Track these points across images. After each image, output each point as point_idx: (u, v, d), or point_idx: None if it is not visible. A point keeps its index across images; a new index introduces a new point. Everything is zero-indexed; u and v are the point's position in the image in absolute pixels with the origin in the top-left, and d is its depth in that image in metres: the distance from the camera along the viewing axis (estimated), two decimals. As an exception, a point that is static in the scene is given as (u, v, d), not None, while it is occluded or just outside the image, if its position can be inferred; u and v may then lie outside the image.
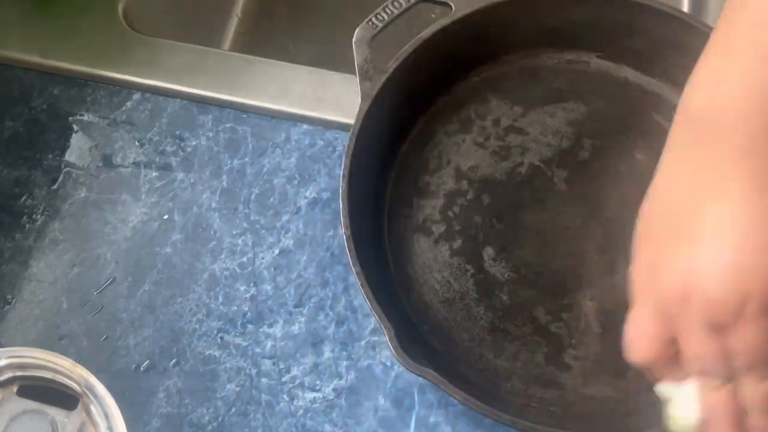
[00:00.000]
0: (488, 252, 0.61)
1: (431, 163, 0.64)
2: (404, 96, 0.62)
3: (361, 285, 0.55)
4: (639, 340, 0.48)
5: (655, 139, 0.63)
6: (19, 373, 0.52)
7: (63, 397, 0.51)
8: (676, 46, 0.62)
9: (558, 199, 0.63)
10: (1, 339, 0.62)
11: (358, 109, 0.59)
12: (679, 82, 0.63)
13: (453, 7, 0.61)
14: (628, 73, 0.65)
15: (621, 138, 0.64)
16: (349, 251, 0.56)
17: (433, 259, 0.62)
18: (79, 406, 0.51)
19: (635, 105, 0.64)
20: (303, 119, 0.67)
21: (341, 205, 0.57)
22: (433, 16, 0.62)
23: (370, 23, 0.61)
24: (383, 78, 0.60)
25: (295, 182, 0.66)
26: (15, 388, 0.51)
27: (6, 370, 0.52)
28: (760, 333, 0.45)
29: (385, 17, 0.61)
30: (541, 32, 0.64)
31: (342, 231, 0.57)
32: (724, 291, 0.44)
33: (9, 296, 0.64)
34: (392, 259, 0.62)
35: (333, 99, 0.67)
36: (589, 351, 0.59)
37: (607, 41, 0.64)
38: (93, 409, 0.51)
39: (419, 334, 0.60)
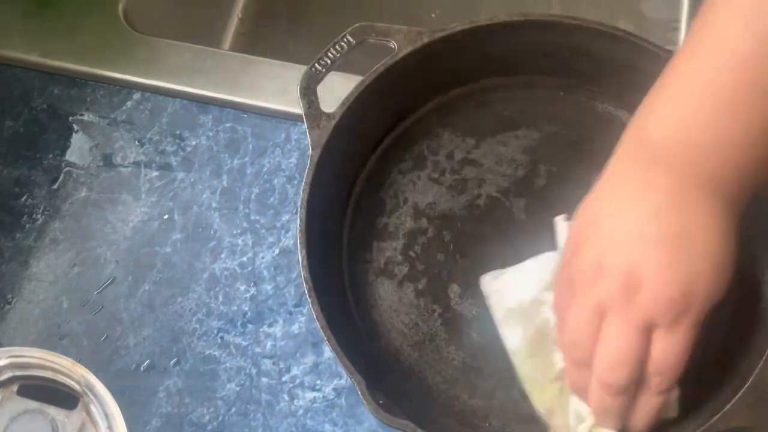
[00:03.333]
0: (454, 289, 0.60)
1: (388, 204, 0.63)
2: (354, 140, 0.61)
3: (327, 339, 0.53)
4: (579, 337, 0.48)
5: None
6: (19, 373, 0.52)
7: (63, 396, 0.52)
8: (625, 67, 0.61)
9: (518, 228, 0.61)
10: (2, 339, 0.62)
11: (309, 159, 0.58)
12: (630, 102, 0.62)
13: (395, 47, 0.60)
14: (578, 96, 0.64)
15: (576, 162, 0.63)
16: (312, 304, 0.54)
17: (399, 302, 0.60)
18: (80, 405, 0.51)
19: (588, 128, 0.63)
20: (303, 119, 0.67)
21: (300, 257, 0.56)
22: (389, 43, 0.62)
23: (313, 69, 0.60)
24: (331, 125, 0.58)
25: (295, 182, 0.66)
26: (15, 388, 0.52)
27: (6, 369, 0.52)
28: (688, 342, 0.46)
29: (328, 62, 0.60)
30: (485, 62, 0.63)
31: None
32: (674, 291, 0.44)
33: (9, 296, 0.64)
34: (357, 305, 0.61)
35: (333, 99, 0.67)
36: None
37: (554, 66, 0.63)
38: (93, 408, 0.51)
39: (392, 382, 0.58)
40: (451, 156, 0.64)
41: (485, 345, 0.59)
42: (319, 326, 0.54)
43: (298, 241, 0.56)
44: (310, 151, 0.58)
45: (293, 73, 0.69)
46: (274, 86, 0.68)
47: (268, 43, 0.89)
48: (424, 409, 0.58)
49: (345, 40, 0.60)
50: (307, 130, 0.59)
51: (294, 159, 0.67)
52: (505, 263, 0.60)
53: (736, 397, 0.53)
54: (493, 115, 0.65)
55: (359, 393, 0.52)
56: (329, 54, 0.60)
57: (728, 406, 0.52)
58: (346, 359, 0.53)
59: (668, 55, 0.58)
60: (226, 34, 0.89)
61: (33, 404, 0.51)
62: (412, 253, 0.62)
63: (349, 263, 0.62)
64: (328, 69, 0.60)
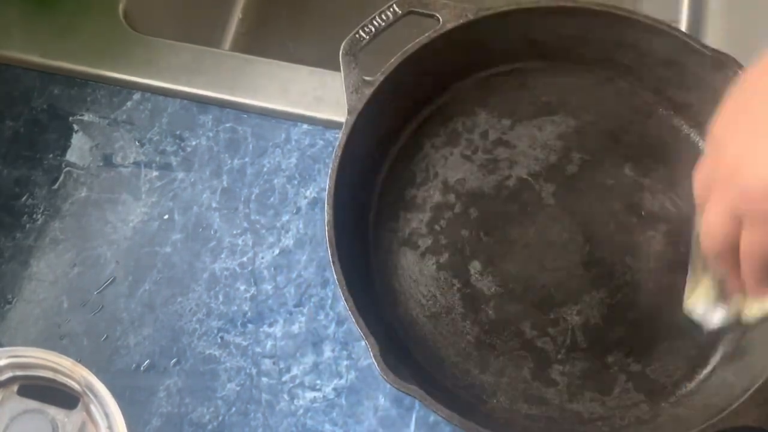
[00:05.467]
0: (475, 266, 0.61)
1: (418, 176, 0.64)
2: (391, 109, 0.62)
3: (345, 299, 0.54)
4: (712, 237, 0.48)
5: (645, 154, 0.63)
6: (19, 373, 0.52)
7: (63, 396, 0.52)
8: (666, 60, 0.62)
9: (545, 213, 0.62)
10: (2, 338, 0.62)
11: (344, 123, 0.59)
12: (670, 98, 0.63)
13: (440, 20, 0.61)
14: (617, 87, 0.64)
15: (610, 152, 0.63)
16: (333, 265, 0.55)
17: (420, 273, 0.61)
18: (80, 405, 0.51)
19: (625, 120, 0.64)
20: (303, 119, 0.67)
21: (326, 217, 0.56)
22: (416, 31, 0.62)
23: (357, 35, 0.60)
24: (370, 91, 0.59)
25: (295, 182, 0.66)
26: (15, 388, 0.52)
27: (6, 369, 0.52)
28: (760, 245, 0.46)
29: (372, 29, 0.60)
30: (528, 45, 0.64)
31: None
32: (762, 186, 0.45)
33: (9, 296, 0.64)
34: (378, 272, 0.61)
35: (333, 99, 0.67)
36: (575, 367, 0.59)
37: (597, 55, 0.64)
38: (93, 408, 0.51)
39: (405, 350, 0.59)
40: (485, 135, 0.64)
41: (500, 323, 0.60)
42: (338, 287, 0.55)
43: (326, 201, 0.57)
44: (345, 116, 0.58)
45: (293, 73, 0.69)
46: (274, 86, 0.68)
47: (268, 43, 0.89)
48: (435, 379, 0.58)
49: (391, 9, 0.61)
50: (345, 94, 0.59)
51: (294, 159, 0.67)
52: (528, 245, 0.61)
53: (746, 396, 0.53)
54: (531, 99, 0.65)
55: (371, 356, 0.53)
56: (374, 22, 0.61)
57: (736, 405, 0.53)
58: (362, 321, 0.54)
59: (713, 53, 0.59)
60: (226, 34, 0.89)
61: (33, 404, 0.51)
62: (437, 227, 0.62)
63: (374, 230, 0.62)
64: (372, 37, 0.60)
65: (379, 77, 0.60)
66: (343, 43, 0.60)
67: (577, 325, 0.59)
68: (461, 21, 0.61)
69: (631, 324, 0.59)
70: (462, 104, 0.65)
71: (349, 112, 0.59)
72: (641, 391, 0.58)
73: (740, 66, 0.58)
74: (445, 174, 0.64)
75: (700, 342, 0.59)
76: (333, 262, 0.55)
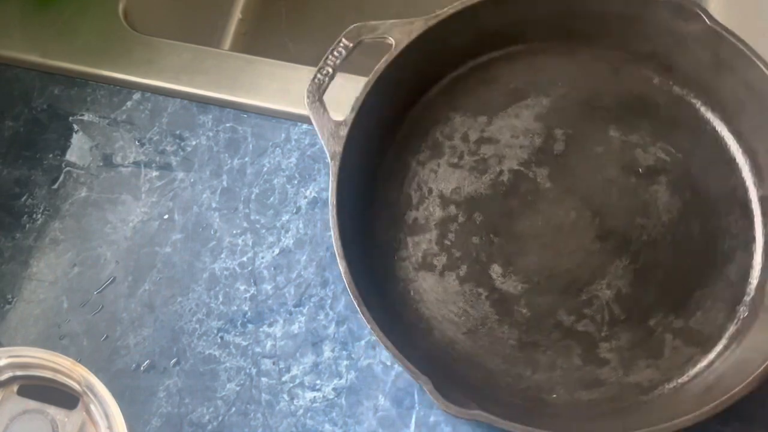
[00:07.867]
0: (495, 270, 0.61)
1: (414, 197, 0.63)
2: (371, 140, 0.62)
3: (386, 347, 0.53)
4: None
5: (625, 112, 0.63)
6: (19, 373, 0.52)
7: (63, 396, 0.52)
8: (620, 16, 0.61)
9: (546, 198, 0.62)
10: (2, 338, 0.62)
11: (330, 172, 0.58)
12: (635, 52, 0.63)
13: (393, 42, 0.60)
14: (579, 55, 0.64)
15: (590, 120, 0.63)
16: (363, 314, 0.54)
17: (444, 292, 0.60)
18: (80, 405, 0.51)
19: (596, 85, 0.63)
20: (303, 119, 0.67)
21: (341, 267, 0.55)
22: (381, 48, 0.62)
23: (316, 80, 0.60)
24: (345, 132, 0.59)
25: (295, 182, 0.66)
26: (15, 388, 0.52)
27: (6, 369, 0.52)
28: None
29: (330, 70, 0.60)
30: (482, 38, 0.64)
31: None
32: None
33: (9, 296, 0.64)
34: (402, 303, 0.61)
35: (333, 99, 0.67)
36: (621, 340, 0.58)
37: (550, 30, 0.63)
38: (93, 408, 0.51)
39: (452, 373, 0.58)
40: (466, 138, 0.64)
41: (537, 318, 0.59)
42: (377, 338, 0.54)
43: (335, 251, 0.56)
44: (328, 159, 0.58)
45: (293, 73, 0.69)
46: (274, 86, 0.68)
47: (268, 43, 0.89)
48: (489, 393, 0.57)
49: (342, 44, 0.61)
50: (321, 141, 0.59)
51: (294, 159, 0.67)
52: (539, 235, 0.61)
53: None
54: (499, 90, 0.65)
55: (427, 392, 0.52)
56: (329, 61, 0.61)
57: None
58: (407, 362, 0.53)
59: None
60: (226, 34, 0.89)
61: (33, 404, 0.51)
62: (447, 242, 0.62)
63: (386, 263, 0.62)
64: (331, 76, 0.60)
65: (350, 116, 0.59)
66: (305, 92, 0.60)
67: (610, 299, 0.59)
68: (412, 37, 0.60)
69: (661, 282, 0.59)
70: (435, 113, 0.65)
71: (331, 158, 0.58)
72: (691, 344, 0.57)
73: (698, 6, 0.58)
74: (438, 187, 0.63)
75: (732, 281, 0.58)
76: (362, 311, 0.54)
